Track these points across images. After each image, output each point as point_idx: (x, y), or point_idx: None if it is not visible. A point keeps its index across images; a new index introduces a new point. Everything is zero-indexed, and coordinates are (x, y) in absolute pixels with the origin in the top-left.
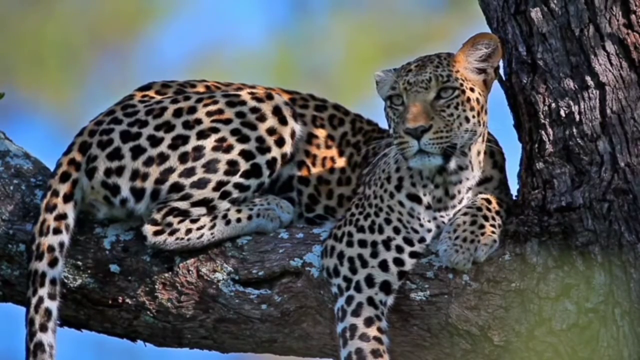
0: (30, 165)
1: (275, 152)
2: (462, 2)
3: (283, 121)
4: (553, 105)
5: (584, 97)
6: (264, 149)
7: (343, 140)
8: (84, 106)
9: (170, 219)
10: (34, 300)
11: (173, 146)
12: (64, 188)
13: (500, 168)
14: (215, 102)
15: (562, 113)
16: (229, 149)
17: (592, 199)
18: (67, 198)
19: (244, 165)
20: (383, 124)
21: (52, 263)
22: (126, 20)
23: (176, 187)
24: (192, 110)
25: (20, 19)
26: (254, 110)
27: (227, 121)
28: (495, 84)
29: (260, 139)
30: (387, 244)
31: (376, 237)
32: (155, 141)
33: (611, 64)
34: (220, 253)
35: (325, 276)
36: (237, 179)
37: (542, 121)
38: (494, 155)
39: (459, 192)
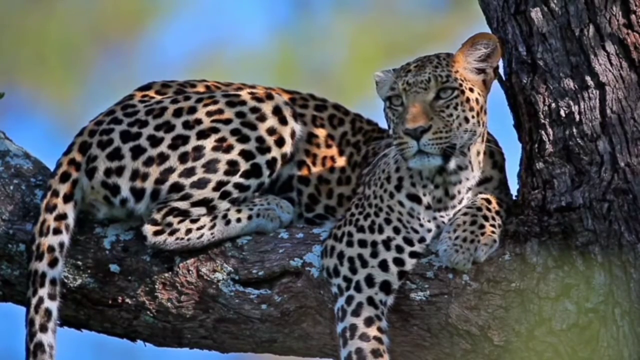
0: (30, 165)
1: (275, 152)
2: (464, 2)
3: (283, 121)
4: (553, 105)
5: (584, 97)
6: (264, 149)
7: (343, 140)
8: (85, 105)
9: (170, 219)
10: (34, 301)
11: (173, 146)
12: (64, 188)
13: (500, 168)
14: (215, 102)
15: (562, 113)
16: (229, 149)
17: (592, 199)
18: (67, 198)
19: (244, 165)
20: (383, 124)
21: (52, 263)
22: (128, 19)
23: (176, 187)
24: (192, 110)
25: (22, 17)
26: (254, 110)
27: (227, 121)
28: (495, 84)
29: (260, 139)
30: (387, 244)
31: (376, 237)
32: (155, 141)
33: (611, 64)
34: (220, 253)
35: (325, 276)
36: (237, 179)
37: (542, 121)
38: (494, 155)
39: (459, 192)
